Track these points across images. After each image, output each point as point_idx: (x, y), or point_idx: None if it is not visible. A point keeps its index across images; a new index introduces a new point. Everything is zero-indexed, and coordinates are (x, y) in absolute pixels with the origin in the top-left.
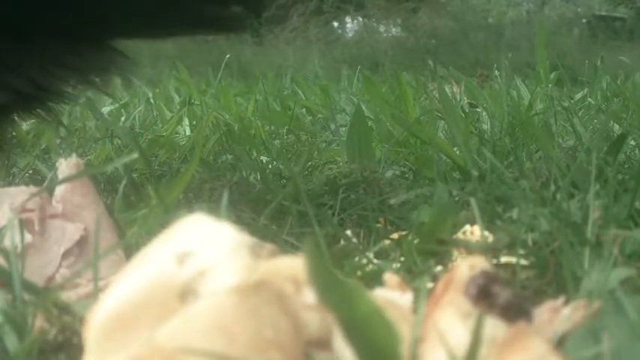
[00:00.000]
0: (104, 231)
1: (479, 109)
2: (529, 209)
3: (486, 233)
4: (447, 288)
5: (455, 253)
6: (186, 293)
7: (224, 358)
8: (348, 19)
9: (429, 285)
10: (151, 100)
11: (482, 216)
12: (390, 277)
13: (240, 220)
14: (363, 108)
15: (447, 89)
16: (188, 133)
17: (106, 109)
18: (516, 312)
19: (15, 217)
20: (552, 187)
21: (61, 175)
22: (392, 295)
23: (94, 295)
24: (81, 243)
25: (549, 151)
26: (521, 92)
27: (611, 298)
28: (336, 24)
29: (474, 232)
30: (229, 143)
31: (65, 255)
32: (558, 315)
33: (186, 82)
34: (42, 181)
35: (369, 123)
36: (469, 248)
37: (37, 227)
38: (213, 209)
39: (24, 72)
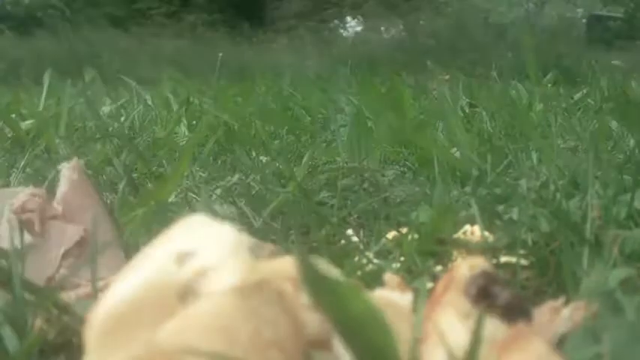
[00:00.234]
0: (104, 231)
1: (478, 109)
2: (529, 209)
3: (486, 233)
4: (447, 288)
5: (455, 253)
6: (186, 293)
7: (224, 358)
8: (347, 19)
9: (429, 285)
10: (149, 102)
11: (482, 216)
12: (390, 277)
13: (240, 220)
14: (363, 108)
15: (446, 89)
16: (187, 133)
17: (105, 109)
18: (516, 312)
19: (15, 218)
20: (552, 187)
21: (62, 177)
22: (392, 295)
23: (93, 295)
24: (81, 244)
25: (549, 151)
26: (521, 92)
27: (610, 299)
28: (336, 23)
29: (474, 232)
30: (229, 143)
31: (65, 255)
32: (558, 315)
33: (185, 83)
34: (42, 181)
35: (369, 123)
36: (469, 248)
37: (37, 228)
38: (213, 209)
39: None
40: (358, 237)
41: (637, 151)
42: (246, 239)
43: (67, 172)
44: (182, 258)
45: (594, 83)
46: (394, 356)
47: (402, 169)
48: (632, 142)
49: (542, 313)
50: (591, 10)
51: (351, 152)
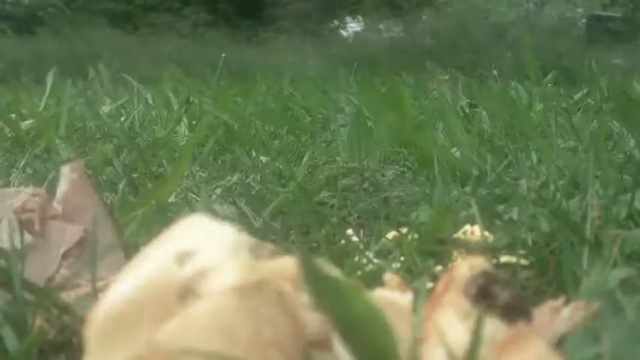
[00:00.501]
0: (104, 232)
1: (478, 109)
2: (529, 209)
3: (486, 233)
4: (447, 288)
5: (455, 253)
6: (186, 293)
7: (224, 358)
8: (347, 19)
9: (429, 285)
10: (150, 101)
11: (482, 216)
12: (390, 277)
13: (240, 220)
14: (363, 108)
15: (446, 89)
16: (187, 133)
17: (105, 109)
18: (516, 312)
19: (15, 218)
20: (552, 187)
21: (63, 177)
22: (392, 295)
23: (93, 295)
24: (81, 243)
25: (549, 151)
26: (521, 92)
27: (610, 299)
28: (336, 23)
29: (474, 232)
30: (229, 143)
31: (65, 255)
32: (558, 315)
33: (185, 82)
34: (42, 180)
35: (369, 123)
36: (469, 248)
37: (37, 228)
38: (213, 209)
39: None
40: (358, 237)
41: (637, 151)
42: (246, 239)
43: (67, 172)
44: (182, 258)
45: (594, 83)
46: (394, 356)
47: (402, 169)
48: (632, 142)
49: (542, 313)
50: (591, 10)
51: (351, 152)
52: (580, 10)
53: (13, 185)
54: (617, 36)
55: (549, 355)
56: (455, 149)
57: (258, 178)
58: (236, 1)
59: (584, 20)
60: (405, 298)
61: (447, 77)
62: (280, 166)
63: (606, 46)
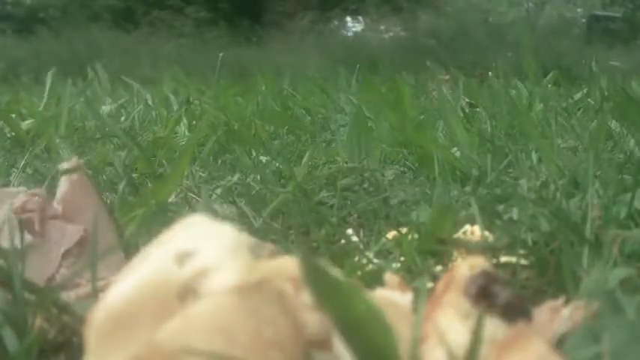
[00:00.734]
0: (104, 231)
1: (478, 109)
2: (529, 209)
3: (486, 233)
4: (447, 288)
5: (455, 253)
6: (186, 293)
7: (224, 358)
8: (347, 19)
9: (429, 285)
10: (150, 101)
11: (482, 216)
12: (390, 277)
13: (240, 220)
14: (363, 108)
15: (444, 89)
16: (187, 133)
17: (105, 109)
18: (516, 312)
19: (15, 218)
20: (552, 187)
21: (62, 177)
22: (392, 295)
23: (93, 295)
24: (81, 243)
25: (549, 151)
26: (521, 92)
27: (610, 298)
28: (336, 23)
29: (474, 232)
30: (229, 143)
31: (65, 255)
32: (558, 315)
33: (185, 82)
34: (42, 180)
35: (369, 123)
36: (469, 248)
37: (37, 228)
38: (213, 209)
39: None
40: (358, 237)
41: (637, 150)
42: (246, 239)
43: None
44: (182, 258)
45: (594, 83)
46: (394, 356)
47: (402, 169)
48: (632, 142)
49: (542, 313)
50: (591, 10)
51: (351, 152)
52: (580, 10)
53: (13, 185)
54: (617, 36)
55: (549, 355)
56: (455, 149)
57: (258, 178)
58: (236, 1)
59: (584, 20)
60: (405, 298)
61: (447, 77)
62: (280, 166)
63: (606, 46)
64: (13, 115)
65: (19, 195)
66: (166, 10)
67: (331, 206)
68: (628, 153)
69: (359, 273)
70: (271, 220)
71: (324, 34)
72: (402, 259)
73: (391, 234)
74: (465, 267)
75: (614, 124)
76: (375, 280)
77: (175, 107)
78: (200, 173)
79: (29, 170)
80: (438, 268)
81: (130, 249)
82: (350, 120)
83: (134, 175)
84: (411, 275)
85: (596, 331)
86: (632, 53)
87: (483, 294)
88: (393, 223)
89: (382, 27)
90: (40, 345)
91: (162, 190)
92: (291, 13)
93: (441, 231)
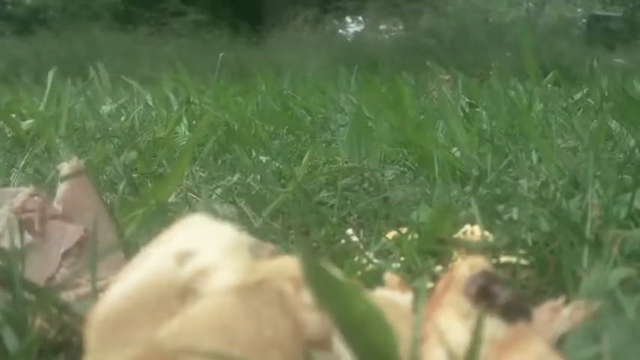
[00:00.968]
0: (104, 231)
1: (478, 109)
2: (529, 209)
3: (486, 233)
4: (447, 288)
5: (455, 253)
6: (186, 293)
7: (224, 358)
8: (347, 19)
9: (429, 285)
10: (150, 101)
11: (482, 216)
12: (390, 277)
13: (240, 220)
14: (363, 108)
15: (444, 89)
16: (187, 133)
17: (105, 109)
18: (516, 312)
19: (15, 218)
20: (552, 187)
21: (62, 177)
22: (392, 295)
23: (93, 295)
24: (81, 243)
25: (549, 151)
26: (521, 92)
27: (610, 298)
28: (336, 23)
29: (474, 232)
30: (229, 143)
31: (65, 255)
32: (558, 315)
33: (185, 83)
34: (42, 180)
35: (369, 123)
36: (469, 248)
37: (37, 228)
38: (213, 209)
39: None
40: (358, 237)
41: (637, 151)
42: (246, 239)
43: (68, 170)
44: (182, 258)
45: (594, 83)
46: (394, 356)
47: (402, 169)
48: (632, 142)
49: (542, 313)
50: (591, 10)
51: (351, 152)
52: (580, 10)
53: (13, 185)
54: (617, 36)
55: (549, 355)
56: (455, 149)
57: (258, 178)
58: (237, 1)
59: (584, 20)
60: (405, 298)
61: (448, 77)
62: (280, 166)
63: (606, 46)
64: (13, 115)
65: (19, 195)
66: (167, 11)
67: (331, 206)
68: (628, 153)
69: (359, 273)
70: (271, 220)
71: (324, 34)
72: (402, 259)
73: (391, 234)
74: (465, 267)
75: (614, 124)
76: (375, 280)
77: (175, 107)
78: (200, 173)
79: (29, 170)
80: (438, 268)
81: (130, 249)
82: (350, 120)
83: (134, 175)
84: (411, 275)
85: (596, 331)
86: (633, 53)
87: (483, 294)
88: (393, 223)
89: (382, 27)
90: (40, 345)
91: (162, 190)
92: (291, 13)
93: (441, 231)
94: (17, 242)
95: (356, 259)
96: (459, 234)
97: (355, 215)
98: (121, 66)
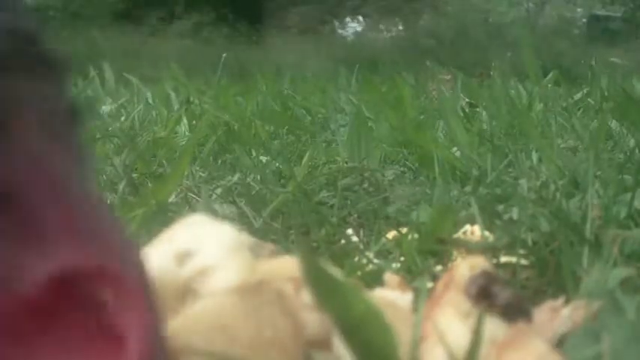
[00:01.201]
0: None
1: (478, 109)
2: (529, 209)
3: (486, 233)
4: (447, 288)
5: (455, 253)
6: (186, 293)
7: (224, 357)
8: (348, 19)
9: (429, 285)
10: (150, 101)
11: (482, 216)
12: (390, 277)
13: (240, 220)
14: (363, 108)
15: (444, 89)
16: (187, 133)
17: (105, 109)
18: (516, 312)
19: None
20: (552, 187)
21: None
22: (392, 295)
23: None
24: None
25: (549, 151)
26: (521, 92)
27: (610, 298)
28: (336, 23)
29: (474, 232)
30: (229, 143)
31: None
32: (558, 315)
33: (185, 82)
34: None
35: (369, 123)
36: (469, 248)
37: None
38: (213, 209)
39: None
40: (358, 237)
41: (637, 151)
42: (246, 239)
43: None
44: (182, 258)
45: (594, 83)
46: (394, 356)
47: (402, 169)
48: (632, 142)
49: (542, 313)
50: (591, 10)
51: (351, 152)
52: (580, 10)
53: None
54: (617, 36)
55: (549, 355)
56: (455, 149)
57: (258, 178)
58: (236, 1)
59: (584, 20)
60: (405, 298)
61: (448, 77)
62: (280, 166)
63: (606, 46)
64: None
65: None
66: (167, 11)
67: (331, 206)
68: (628, 153)
69: (359, 273)
70: (271, 220)
71: (324, 34)
72: (402, 259)
73: (391, 234)
74: (465, 267)
75: (614, 124)
76: (375, 280)
77: (175, 107)
78: (200, 173)
79: None
80: (438, 268)
81: None
82: (350, 120)
83: (134, 175)
84: (411, 275)
85: (596, 331)
86: (633, 53)
87: (483, 294)
88: (393, 223)
89: (382, 27)
90: None
91: (162, 190)
92: (291, 13)
93: (441, 231)
94: None
95: (356, 259)
96: (459, 234)
97: (355, 215)
98: (121, 66)
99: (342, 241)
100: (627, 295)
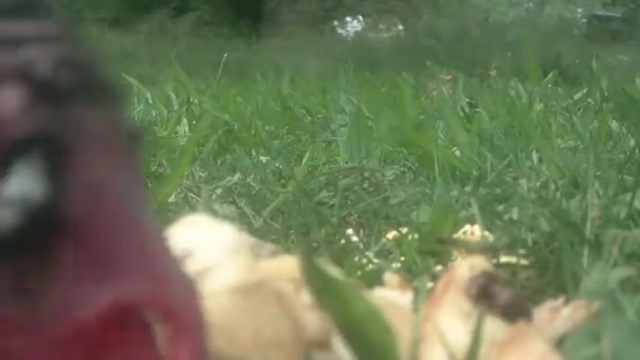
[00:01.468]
0: None
1: (478, 109)
2: (529, 209)
3: (486, 233)
4: (447, 288)
5: (455, 252)
6: None
7: (224, 357)
8: (347, 19)
9: (429, 285)
10: (150, 101)
11: (482, 216)
12: (390, 277)
13: (240, 220)
14: (363, 108)
15: (444, 89)
16: (187, 133)
17: None
18: (516, 312)
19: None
20: (552, 187)
21: None
22: (392, 295)
23: None
24: None
25: (549, 151)
26: (521, 92)
27: (610, 298)
28: (336, 23)
29: (474, 232)
30: (229, 143)
31: None
32: (558, 315)
33: (185, 82)
34: None
35: (369, 123)
36: (469, 248)
37: None
38: (214, 209)
39: None
40: (358, 237)
41: (637, 151)
42: (246, 239)
43: None
44: (182, 258)
45: (594, 83)
46: (394, 356)
47: (402, 169)
48: (632, 142)
49: (542, 313)
50: (591, 10)
51: (351, 152)
52: (580, 10)
53: None
54: (617, 36)
55: (549, 355)
56: (455, 149)
57: (258, 178)
58: (236, 1)
59: (584, 20)
60: (405, 298)
61: (449, 77)
62: (280, 166)
63: (606, 46)
64: None
65: None
66: (167, 11)
67: (331, 206)
68: (628, 153)
69: (359, 273)
70: (271, 220)
71: (324, 34)
72: (402, 259)
73: (391, 234)
74: (465, 267)
75: (614, 124)
76: (375, 280)
77: (176, 107)
78: (200, 173)
79: None
80: (438, 268)
81: None
82: (350, 120)
83: None
84: (411, 275)
85: (596, 331)
86: (633, 53)
87: (483, 294)
88: (393, 223)
89: (382, 27)
90: None
91: (162, 190)
92: (291, 13)
93: (441, 231)
94: None
95: (356, 259)
96: (459, 234)
97: (355, 215)
98: (122, 66)
99: (342, 241)
100: (627, 295)
